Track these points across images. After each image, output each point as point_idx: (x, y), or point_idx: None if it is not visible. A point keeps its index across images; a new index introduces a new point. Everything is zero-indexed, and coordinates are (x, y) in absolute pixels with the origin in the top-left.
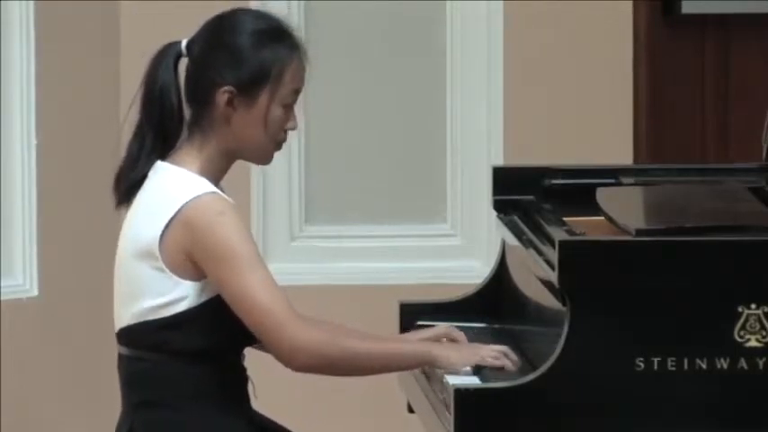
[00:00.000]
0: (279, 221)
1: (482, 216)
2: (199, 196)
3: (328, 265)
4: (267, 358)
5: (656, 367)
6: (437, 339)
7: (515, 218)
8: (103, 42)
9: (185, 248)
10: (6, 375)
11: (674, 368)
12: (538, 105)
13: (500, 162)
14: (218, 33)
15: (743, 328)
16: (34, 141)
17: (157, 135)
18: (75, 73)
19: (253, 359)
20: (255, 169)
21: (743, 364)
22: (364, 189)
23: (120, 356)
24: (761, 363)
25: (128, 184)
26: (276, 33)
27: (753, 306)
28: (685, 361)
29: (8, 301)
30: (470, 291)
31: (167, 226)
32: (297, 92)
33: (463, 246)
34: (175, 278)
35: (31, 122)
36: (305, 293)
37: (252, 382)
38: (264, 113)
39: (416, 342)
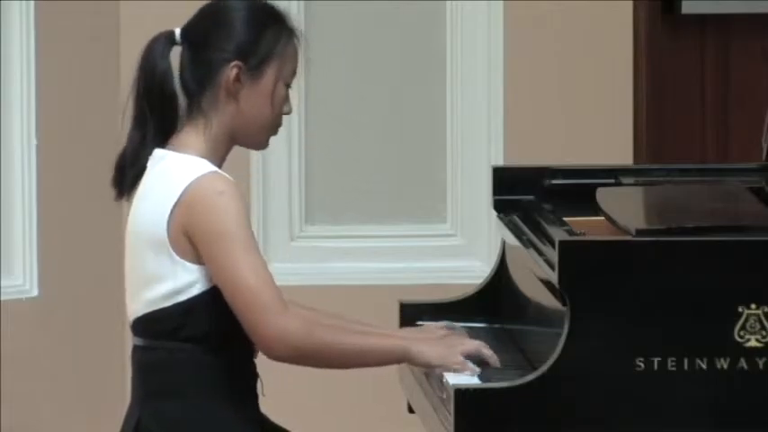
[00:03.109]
0: (279, 221)
1: (482, 216)
2: (201, 176)
3: (328, 265)
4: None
5: (656, 367)
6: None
7: (515, 218)
8: (103, 42)
9: (185, 229)
10: (6, 375)
11: (674, 368)
12: (538, 105)
13: (500, 162)
14: (219, 15)
15: (743, 328)
16: (34, 141)
17: (159, 123)
18: (75, 73)
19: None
20: (255, 169)
21: (743, 364)
22: (364, 189)
23: (135, 348)
24: (761, 363)
25: (133, 174)
26: (275, 14)
27: (753, 306)
28: (685, 361)
29: (8, 301)
30: (470, 291)
31: (172, 210)
32: (295, 73)
33: (463, 246)
34: (184, 262)
35: (31, 122)
36: (305, 293)
37: (261, 381)
38: (271, 90)
39: (397, 337)
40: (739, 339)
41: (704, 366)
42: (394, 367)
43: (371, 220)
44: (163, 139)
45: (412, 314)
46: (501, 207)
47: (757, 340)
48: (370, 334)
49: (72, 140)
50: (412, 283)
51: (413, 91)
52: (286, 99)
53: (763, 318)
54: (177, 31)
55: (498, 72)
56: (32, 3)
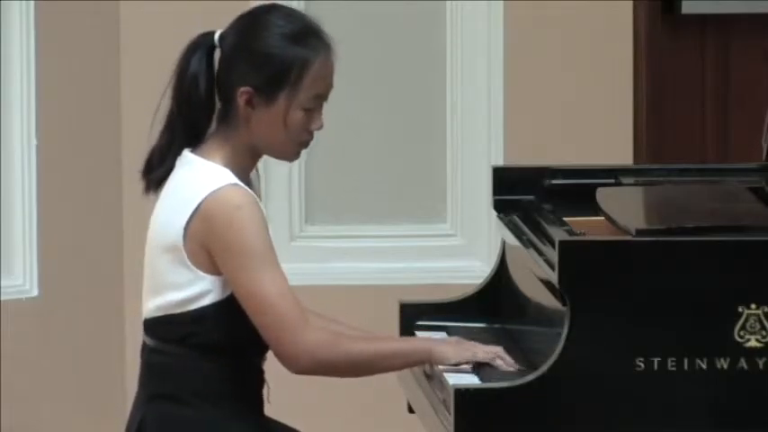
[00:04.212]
0: (279, 221)
1: (482, 216)
2: (219, 189)
3: (328, 265)
4: (269, 357)
5: (656, 367)
6: None
7: (515, 218)
8: (103, 42)
9: (203, 241)
10: (6, 375)
11: (674, 368)
12: (538, 105)
13: (500, 162)
14: (245, 32)
15: (743, 328)
16: (34, 142)
17: (187, 125)
18: (75, 73)
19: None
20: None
21: (743, 364)
22: (364, 189)
23: (144, 345)
24: (761, 363)
25: (160, 175)
26: (300, 36)
27: (753, 306)
28: (685, 361)
29: (8, 301)
30: (470, 291)
31: (190, 219)
32: (319, 96)
33: (463, 246)
34: (199, 272)
35: (31, 122)
36: (305, 293)
37: (268, 386)
38: (283, 115)
39: (416, 340)
40: (739, 339)
41: (704, 366)
42: None
43: (371, 220)
44: (190, 143)
45: (412, 314)
46: (501, 207)
47: (757, 340)
48: (390, 339)
49: (72, 140)
50: (412, 283)
51: (413, 91)
52: (311, 119)
53: (763, 318)
54: (217, 35)
55: (498, 72)
56: (32, 3)
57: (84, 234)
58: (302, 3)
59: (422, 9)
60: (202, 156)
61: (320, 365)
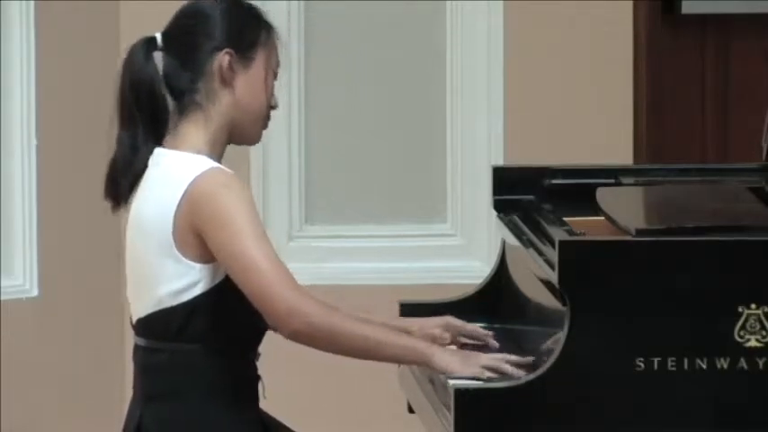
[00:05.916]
0: (278, 221)
1: (482, 216)
2: (203, 173)
3: (328, 265)
4: (269, 357)
5: (656, 367)
6: (436, 329)
7: (515, 218)
8: (103, 42)
9: (192, 222)
10: (6, 375)
11: (674, 368)
12: (538, 105)
13: (500, 162)
14: (199, 12)
15: (743, 328)
16: (34, 142)
17: (150, 126)
18: (75, 73)
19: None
20: (255, 169)
21: (743, 364)
22: (364, 189)
23: (136, 347)
24: (761, 363)
25: (129, 180)
26: (252, 8)
27: (753, 306)
28: (685, 361)
29: (8, 301)
30: (470, 291)
31: (177, 209)
32: (278, 65)
33: (463, 246)
34: (188, 262)
35: (31, 122)
36: None
37: (262, 382)
38: (264, 77)
39: (417, 340)
40: (739, 339)
41: (704, 366)
42: (394, 367)
43: (371, 220)
44: (155, 141)
45: (412, 314)
46: (501, 207)
47: (757, 340)
48: (391, 329)
49: (72, 140)
50: (412, 283)
51: (413, 91)
52: (273, 92)
53: (763, 318)
54: (158, 36)
55: (498, 72)
56: (32, 3)
57: (84, 234)
58: (302, 3)
59: (422, 9)
60: (176, 148)
61: (309, 328)
